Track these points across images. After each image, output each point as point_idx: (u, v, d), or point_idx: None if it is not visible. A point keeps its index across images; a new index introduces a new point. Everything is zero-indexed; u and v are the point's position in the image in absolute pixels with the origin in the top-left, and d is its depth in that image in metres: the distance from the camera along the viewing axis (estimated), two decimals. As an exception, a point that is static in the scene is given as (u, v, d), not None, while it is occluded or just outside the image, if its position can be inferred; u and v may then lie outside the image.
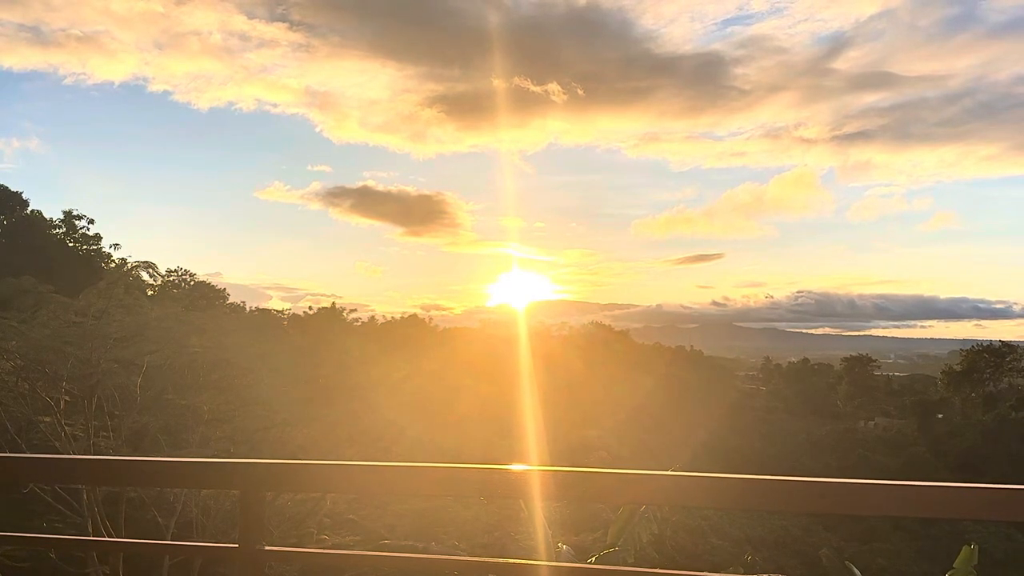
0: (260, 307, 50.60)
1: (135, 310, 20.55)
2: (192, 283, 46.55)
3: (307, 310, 49.55)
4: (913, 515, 2.21)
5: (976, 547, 6.60)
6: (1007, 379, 65.07)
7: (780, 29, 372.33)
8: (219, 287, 48.19)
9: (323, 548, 16.65)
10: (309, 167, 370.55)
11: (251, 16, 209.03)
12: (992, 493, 2.09)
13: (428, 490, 3.02)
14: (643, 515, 8.48)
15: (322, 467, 2.69)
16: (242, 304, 48.84)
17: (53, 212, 49.69)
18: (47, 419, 18.05)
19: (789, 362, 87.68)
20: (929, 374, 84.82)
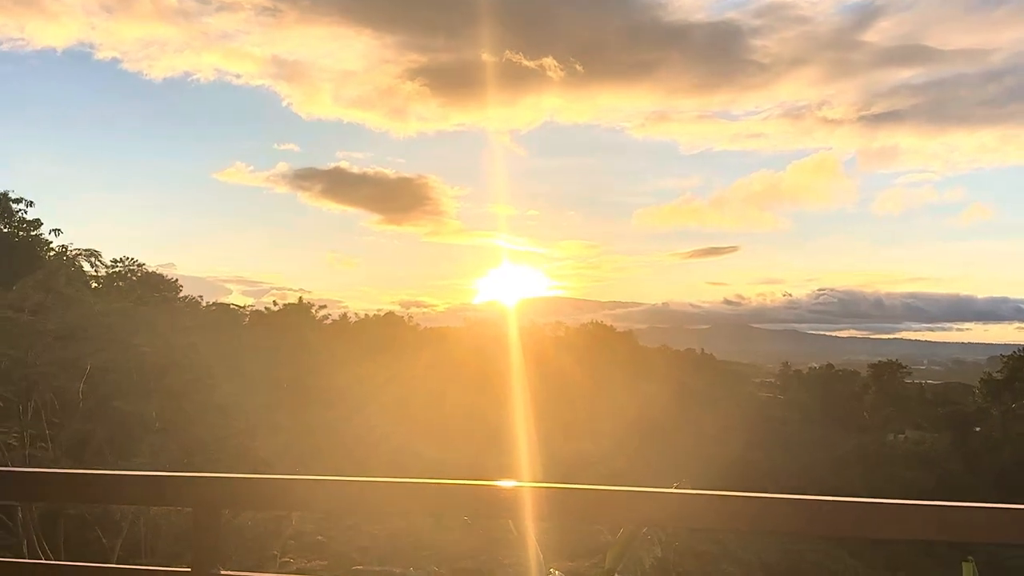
0: (218, 302, 50.47)
1: (77, 304, 20.44)
2: (142, 274, 46.18)
3: (271, 306, 49.53)
4: (947, 539, 2.19)
5: (973, 564, 6.44)
6: (1053, 388, 65.25)
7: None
8: (172, 279, 47.93)
9: (287, 573, 16.63)
10: (275, 146, 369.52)
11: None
12: None
13: (407, 508, 3.02)
14: (645, 537, 8.51)
15: (287, 482, 2.67)
16: (198, 299, 48.73)
17: (-15, 194, 49.13)
18: (-26, 426, 17.90)
19: (810, 368, 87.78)
20: (966, 382, 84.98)
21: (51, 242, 47.39)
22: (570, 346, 58.63)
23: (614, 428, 43.55)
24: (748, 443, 48.85)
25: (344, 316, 56.01)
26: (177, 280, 48.00)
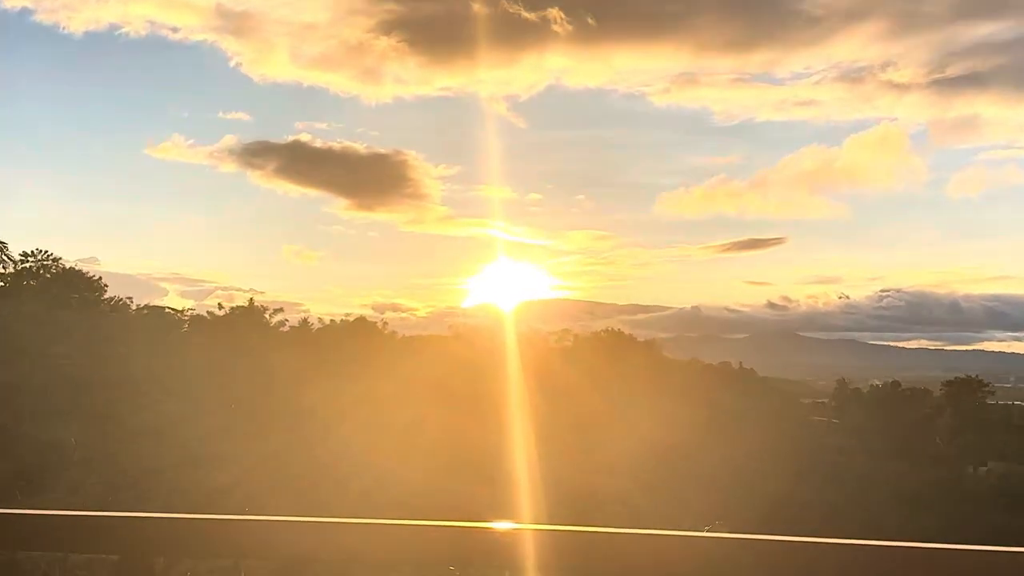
0: (152, 305, 50.73)
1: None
2: (58, 271, 46.16)
3: (216, 309, 49.73)
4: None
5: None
6: None
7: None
8: (95, 277, 47.91)
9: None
10: (221, 115, 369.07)
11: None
12: None
13: (383, 555, 3.02)
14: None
15: (237, 523, 2.66)
16: (127, 301, 48.70)
17: None
18: None
19: (871, 385, 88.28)
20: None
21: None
22: (580, 359, 58.59)
23: (633, 458, 43.41)
24: (796, 477, 48.72)
25: (305, 322, 56.19)
26: (101, 278, 48.01)
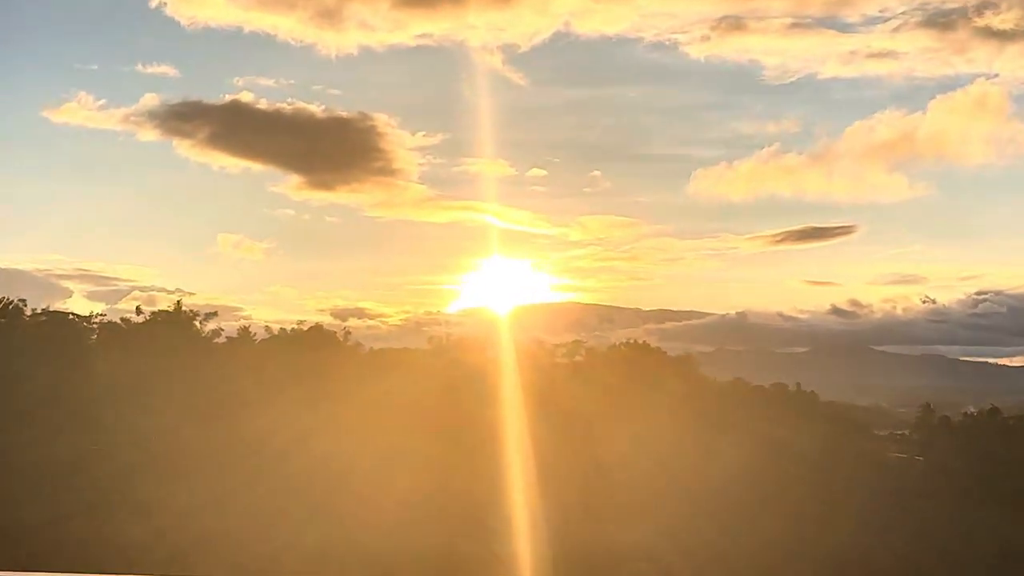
0: (51, 309, 48.96)
1: None
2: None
3: (133, 315, 48.36)
4: None
5: None
6: None
7: None
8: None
9: None
10: (140, 68, 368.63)
11: None
12: None
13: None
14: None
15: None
16: (19, 304, 47.95)
17: None
18: None
19: (965, 413, 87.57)
20: None
21: None
22: (594, 379, 57.76)
23: (662, 503, 42.88)
24: (867, 528, 47.71)
25: (246, 331, 54.41)
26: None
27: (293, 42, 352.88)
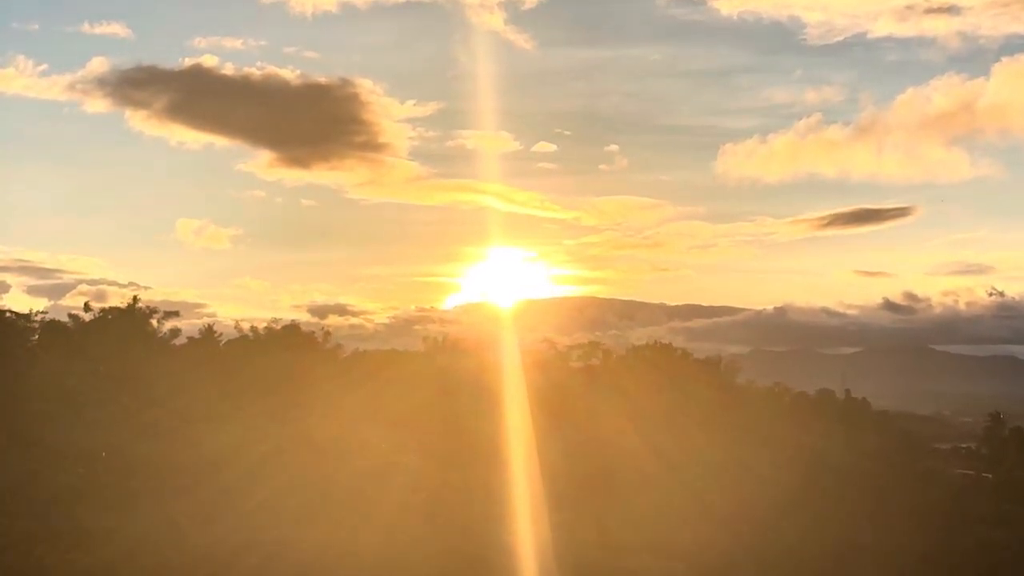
0: None
1: None
2: None
3: (81, 312, 48.14)
4: None
5: None
6: None
7: None
8: None
9: None
10: (87, 28, 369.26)
11: None
12: None
13: None
14: None
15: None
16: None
17: None
18: None
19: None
20: None
21: None
22: (612, 384, 57.58)
23: (691, 529, 42.33)
24: (928, 561, 45.92)
25: (209, 331, 56.16)
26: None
27: None
